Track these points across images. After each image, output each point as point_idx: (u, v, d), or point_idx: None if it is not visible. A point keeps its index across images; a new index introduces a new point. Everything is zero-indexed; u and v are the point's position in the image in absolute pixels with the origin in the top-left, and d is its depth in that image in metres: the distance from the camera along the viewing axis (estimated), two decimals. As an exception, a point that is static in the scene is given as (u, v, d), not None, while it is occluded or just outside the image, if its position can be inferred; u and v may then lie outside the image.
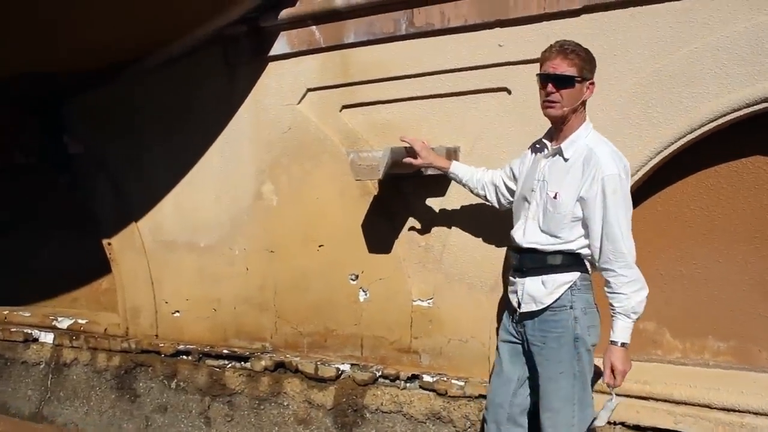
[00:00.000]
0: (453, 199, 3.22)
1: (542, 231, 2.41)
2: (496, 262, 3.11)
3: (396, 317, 3.42)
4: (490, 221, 3.09)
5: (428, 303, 3.33)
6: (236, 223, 3.90)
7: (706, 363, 2.90)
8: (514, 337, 2.55)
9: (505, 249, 3.06)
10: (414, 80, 3.25)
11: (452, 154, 3.14)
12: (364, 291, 3.52)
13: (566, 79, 2.31)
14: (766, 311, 2.76)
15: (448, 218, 3.24)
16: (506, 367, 2.57)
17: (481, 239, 3.15)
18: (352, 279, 3.54)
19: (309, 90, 3.55)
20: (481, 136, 3.08)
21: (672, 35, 2.66)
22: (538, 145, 2.56)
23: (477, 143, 3.12)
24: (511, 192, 2.71)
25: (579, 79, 2.31)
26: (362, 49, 3.35)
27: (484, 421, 2.68)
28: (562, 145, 2.38)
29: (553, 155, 2.42)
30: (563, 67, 2.31)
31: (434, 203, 3.29)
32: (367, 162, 2.85)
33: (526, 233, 2.46)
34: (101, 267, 4.57)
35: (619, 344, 2.30)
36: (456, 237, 3.22)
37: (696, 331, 2.90)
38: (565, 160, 2.37)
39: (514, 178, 2.68)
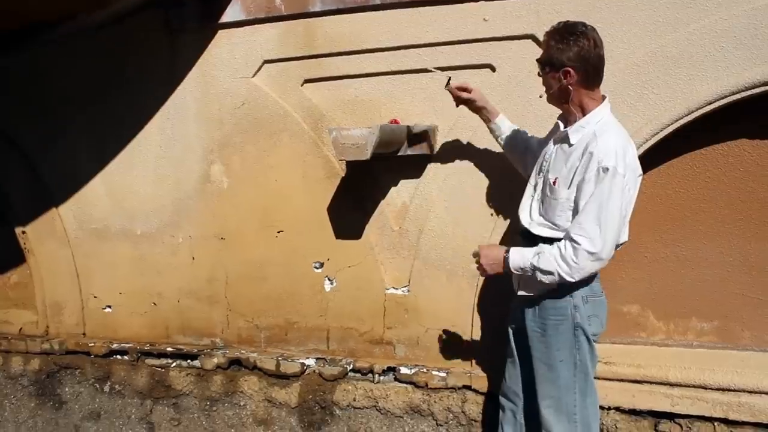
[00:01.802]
0: (430, 180, 3.06)
1: (541, 215, 2.32)
2: (475, 245, 2.93)
3: (367, 307, 3.23)
4: (471, 203, 2.97)
5: (403, 291, 3.16)
6: (180, 208, 3.53)
7: (690, 344, 2.92)
8: (520, 321, 2.45)
9: (490, 232, 2.95)
10: (388, 54, 3.04)
11: (428, 134, 2.96)
12: (330, 280, 3.29)
13: (541, 67, 2.28)
14: (749, 291, 2.82)
15: (425, 201, 3.07)
16: (518, 353, 2.48)
17: (462, 222, 3.01)
18: (316, 267, 3.30)
19: (266, 62, 3.25)
20: (461, 115, 2.91)
21: (670, 15, 2.60)
22: (556, 124, 2.43)
23: (457, 123, 2.96)
24: None
25: (547, 66, 2.24)
26: (330, 19, 3.09)
27: (501, 409, 2.58)
28: (569, 130, 2.27)
29: (561, 140, 2.31)
30: (541, 54, 2.28)
31: (409, 185, 3.11)
32: (352, 140, 2.61)
33: (531, 215, 2.38)
34: (11, 258, 4.01)
35: (503, 252, 2.32)
36: (435, 221, 3.06)
37: (680, 312, 2.92)
38: (570, 145, 2.26)
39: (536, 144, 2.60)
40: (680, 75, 2.61)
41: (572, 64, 2.18)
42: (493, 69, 2.90)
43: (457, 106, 2.69)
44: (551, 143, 2.36)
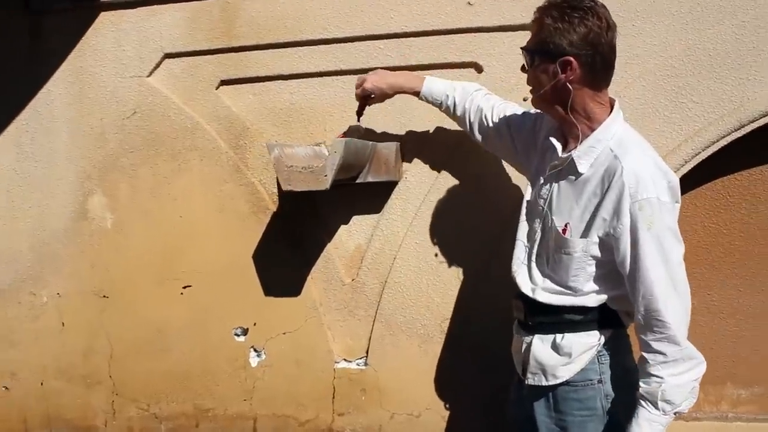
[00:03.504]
0: (395, 216, 2.37)
1: (548, 277, 1.69)
2: (461, 303, 2.32)
3: (310, 387, 2.50)
4: (452, 245, 2.33)
5: (359, 365, 2.45)
6: (44, 256, 2.68)
7: (724, 415, 2.42)
8: (527, 409, 1.79)
9: (477, 286, 2.29)
10: (337, 47, 2.36)
11: (390, 156, 2.27)
12: (257, 351, 2.53)
13: (527, 56, 1.65)
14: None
15: (388, 243, 2.39)
16: None
17: (439, 271, 2.34)
18: (237, 334, 2.55)
19: (167, 56, 2.50)
20: (438, 127, 2.28)
21: (712, 2, 2.08)
22: (548, 138, 1.75)
23: (429, 142, 2.31)
24: (498, 136, 1.98)
25: (536, 54, 1.60)
26: None
27: None
28: (575, 155, 1.60)
29: (563, 170, 1.65)
30: (529, 40, 1.64)
31: (366, 223, 2.42)
32: (304, 162, 1.89)
33: (533, 278, 1.73)
34: None
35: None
36: (402, 270, 2.36)
37: (711, 377, 2.33)
38: (578, 176, 1.61)
39: (509, 135, 1.95)
40: (727, 78, 2.09)
41: (575, 51, 1.54)
42: (478, 69, 2.27)
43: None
44: (547, 168, 1.70)
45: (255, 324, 2.53)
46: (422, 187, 2.32)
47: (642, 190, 1.49)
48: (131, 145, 2.54)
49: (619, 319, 1.68)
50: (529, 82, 1.64)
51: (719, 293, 2.37)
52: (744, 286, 2.36)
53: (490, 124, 1.95)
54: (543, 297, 1.66)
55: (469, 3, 2.21)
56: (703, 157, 2.12)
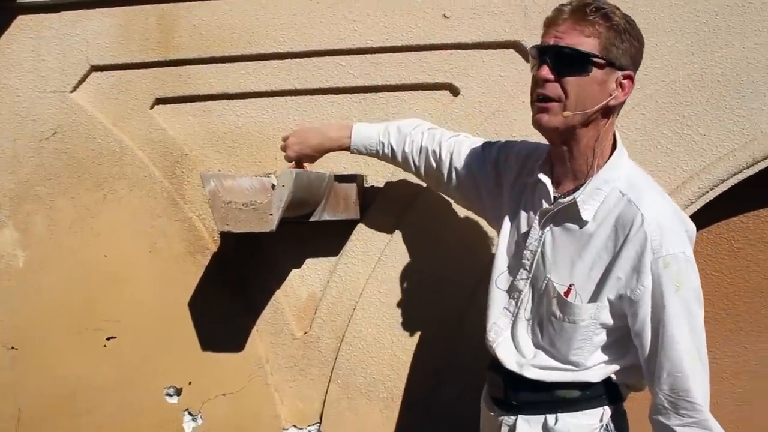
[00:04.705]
0: (355, 259, 2.07)
1: (543, 349, 1.40)
2: (430, 362, 2.01)
3: None
4: (421, 294, 2.03)
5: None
6: None
7: None
8: None
9: (454, 342, 1.98)
10: (292, 62, 2.08)
11: (349, 191, 1.97)
12: (192, 415, 2.19)
13: (574, 58, 1.23)
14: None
15: (347, 291, 2.08)
16: None
17: (405, 324, 2.03)
18: (169, 395, 2.20)
19: (94, 68, 2.19)
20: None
21: (720, 23, 1.87)
22: (529, 175, 1.46)
23: (394, 175, 2.02)
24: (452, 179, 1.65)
25: (600, 60, 1.23)
26: (201, 5, 2.09)
27: None
28: (579, 199, 1.30)
29: (561, 216, 1.35)
30: (573, 37, 1.24)
31: (321, 267, 2.12)
32: (247, 197, 1.60)
33: (521, 349, 1.43)
34: None
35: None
36: (362, 322, 2.05)
37: None
38: (582, 224, 1.32)
39: (468, 175, 1.61)
40: (739, 108, 1.85)
41: (633, 69, 1.29)
42: (454, 91, 2.01)
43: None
44: (534, 220, 1.39)
45: (190, 383, 2.19)
46: (386, 227, 2.03)
47: (667, 244, 1.24)
48: (49, 171, 2.21)
49: (620, 392, 1.40)
50: (569, 90, 1.24)
51: (722, 350, 2.15)
52: (750, 342, 2.12)
53: (442, 167, 1.63)
54: (533, 374, 1.36)
55: (445, 16, 1.95)
56: (711, 198, 1.88)
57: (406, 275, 2.01)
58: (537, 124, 1.30)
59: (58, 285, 2.22)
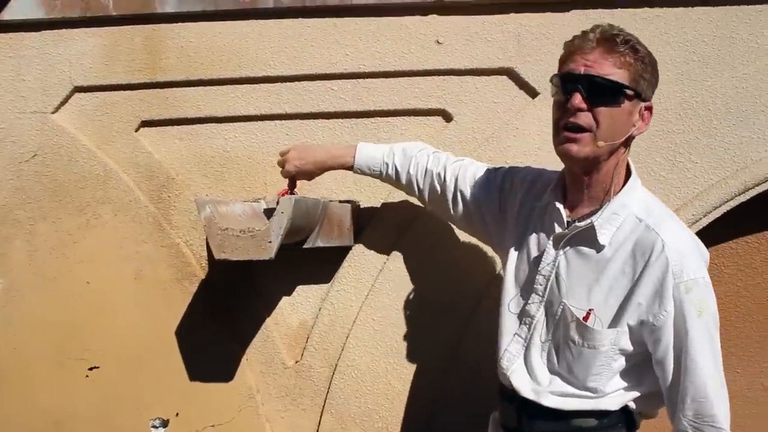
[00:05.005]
0: (348, 286, 2.03)
1: (560, 376, 1.39)
2: (427, 391, 1.98)
3: None
4: (416, 321, 1.99)
5: None
6: None
7: None
8: None
9: (444, 367, 1.95)
10: (282, 86, 2.04)
11: (343, 216, 1.93)
12: None
13: (607, 88, 1.24)
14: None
15: (340, 319, 2.04)
16: None
17: (400, 352, 2.00)
18: (155, 426, 2.13)
19: (78, 89, 2.11)
20: (394, 190, 1.93)
21: (709, 53, 1.89)
22: (538, 199, 1.47)
23: (390, 199, 2.00)
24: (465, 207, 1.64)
25: (630, 91, 1.24)
26: (189, 27, 2.05)
27: None
28: (596, 223, 1.31)
29: (576, 240, 1.35)
30: (605, 67, 1.24)
31: (313, 294, 2.07)
32: (242, 223, 1.57)
33: (537, 377, 1.41)
34: None
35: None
36: (356, 350, 2.01)
37: None
38: (599, 248, 1.32)
39: (473, 201, 1.61)
40: (729, 136, 1.87)
41: (651, 97, 1.32)
42: (447, 117, 2.00)
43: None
44: (547, 245, 1.39)
45: (177, 414, 2.12)
46: (380, 253, 2.00)
47: (688, 269, 1.26)
48: (29, 194, 2.12)
49: (635, 420, 1.40)
50: (602, 121, 1.24)
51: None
52: (741, 367, 2.12)
53: (446, 190, 1.62)
54: (550, 401, 1.35)
55: (438, 42, 1.94)
56: (704, 224, 1.89)
57: (400, 302, 1.98)
58: (564, 154, 1.29)
59: (39, 313, 2.14)
